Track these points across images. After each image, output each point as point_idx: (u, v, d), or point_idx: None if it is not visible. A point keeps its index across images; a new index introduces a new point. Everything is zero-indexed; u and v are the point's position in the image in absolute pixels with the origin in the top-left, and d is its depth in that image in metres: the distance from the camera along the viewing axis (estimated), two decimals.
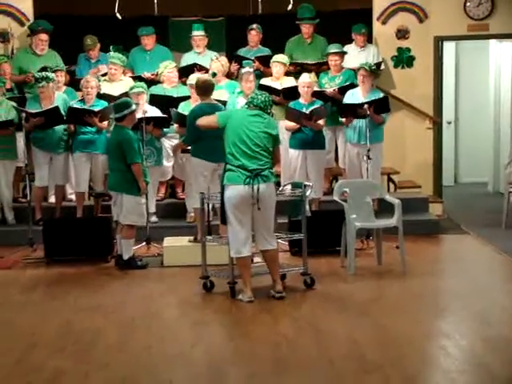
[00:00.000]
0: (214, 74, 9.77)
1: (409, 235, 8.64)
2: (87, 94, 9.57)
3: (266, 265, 7.26)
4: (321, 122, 9.50)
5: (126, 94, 9.60)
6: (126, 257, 8.37)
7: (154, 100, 9.71)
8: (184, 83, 9.94)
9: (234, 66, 10.49)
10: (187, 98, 9.55)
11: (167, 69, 10.05)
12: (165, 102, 9.61)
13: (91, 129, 9.54)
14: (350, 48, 10.73)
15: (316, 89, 9.87)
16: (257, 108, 7.17)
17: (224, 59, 10.33)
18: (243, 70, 9.75)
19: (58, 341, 6.04)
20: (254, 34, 10.81)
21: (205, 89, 8.43)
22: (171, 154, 9.84)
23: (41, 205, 9.80)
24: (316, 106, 9.47)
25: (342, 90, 9.91)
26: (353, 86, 9.89)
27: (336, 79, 10.26)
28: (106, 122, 9.50)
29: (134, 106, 8.44)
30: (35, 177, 9.21)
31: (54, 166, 9.73)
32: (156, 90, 10.05)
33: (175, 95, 9.76)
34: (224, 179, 7.06)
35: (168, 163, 9.93)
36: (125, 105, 8.40)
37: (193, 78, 9.32)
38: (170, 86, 10.05)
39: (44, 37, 10.62)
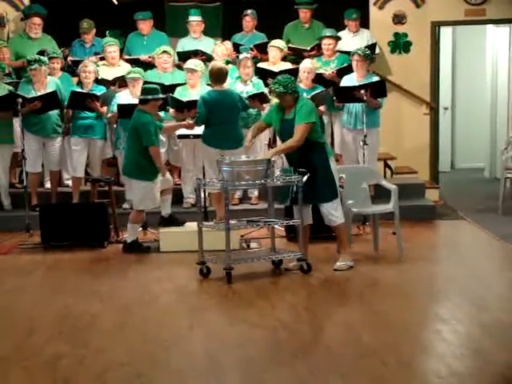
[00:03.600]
0: (228, 62, 9.75)
1: (405, 221, 8.67)
2: (85, 78, 9.52)
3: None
4: (321, 107, 9.47)
5: (122, 79, 9.58)
6: (129, 240, 8.39)
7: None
8: (181, 68, 9.91)
9: (232, 54, 10.47)
10: (176, 85, 9.49)
11: (157, 54, 9.99)
12: None
13: (91, 114, 9.51)
14: (343, 34, 10.70)
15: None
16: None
17: (229, 43, 10.34)
18: (240, 56, 9.75)
19: (56, 326, 6.05)
20: (249, 20, 10.79)
21: (217, 76, 8.44)
22: (164, 140, 9.75)
23: (36, 190, 9.79)
24: (317, 91, 9.45)
25: (340, 73, 9.88)
26: (350, 67, 9.82)
27: (330, 63, 10.22)
28: (105, 108, 9.47)
29: (161, 95, 8.38)
30: (27, 162, 9.16)
31: (48, 151, 9.70)
32: (150, 74, 9.99)
33: (168, 82, 9.68)
34: (328, 154, 7.47)
35: (162, 149, 9.87)
36: (152, 90, 8.34)
37: (190, 63, 9.30)
38: (162, 71, 10.00)
39: (37, 20, 10.56)
